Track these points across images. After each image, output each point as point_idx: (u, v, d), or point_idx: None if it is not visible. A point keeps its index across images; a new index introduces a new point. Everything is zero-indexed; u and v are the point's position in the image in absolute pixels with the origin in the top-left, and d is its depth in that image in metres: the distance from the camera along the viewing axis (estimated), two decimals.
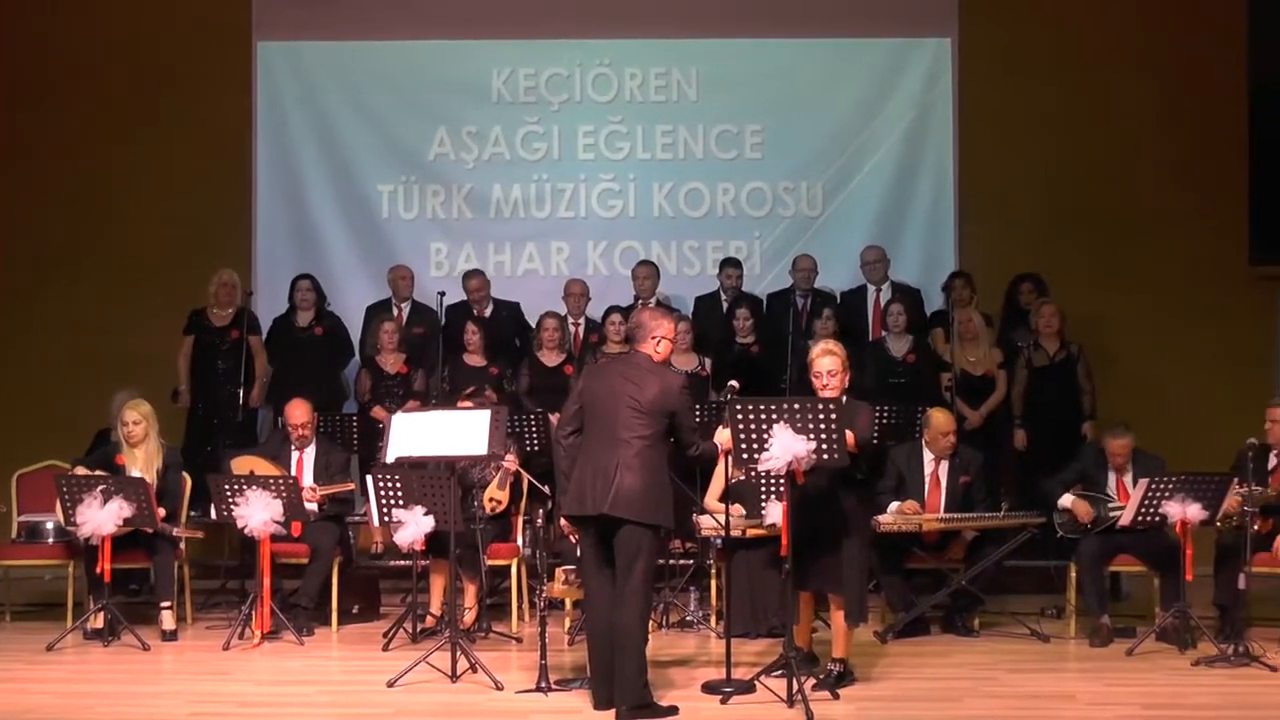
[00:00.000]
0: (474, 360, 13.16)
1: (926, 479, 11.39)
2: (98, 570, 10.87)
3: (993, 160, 14.62)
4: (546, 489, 11.24)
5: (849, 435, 8.98)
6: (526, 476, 11.61)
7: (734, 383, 9.46)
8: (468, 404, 11.45)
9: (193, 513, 11.92)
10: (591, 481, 8.81)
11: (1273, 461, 11.02)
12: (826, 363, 9.36)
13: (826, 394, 9.24)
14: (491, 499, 11.41)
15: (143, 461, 11.39)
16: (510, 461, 11.33)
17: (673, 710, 8.89)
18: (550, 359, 13.24)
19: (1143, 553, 11.11)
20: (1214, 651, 10.24)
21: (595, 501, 8.78)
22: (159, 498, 11.18)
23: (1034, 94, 14.57)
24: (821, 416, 8.89)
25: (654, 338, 9.04)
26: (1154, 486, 10.62)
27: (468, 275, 14.14)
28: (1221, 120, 14.42)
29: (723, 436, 9.26)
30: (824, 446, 8.88)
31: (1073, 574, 11.23)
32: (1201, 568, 10.80)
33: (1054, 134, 14.55)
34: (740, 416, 8.98)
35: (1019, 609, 11.57)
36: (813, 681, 9.31)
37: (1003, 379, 13.29)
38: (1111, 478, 11.32)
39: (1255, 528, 10.51)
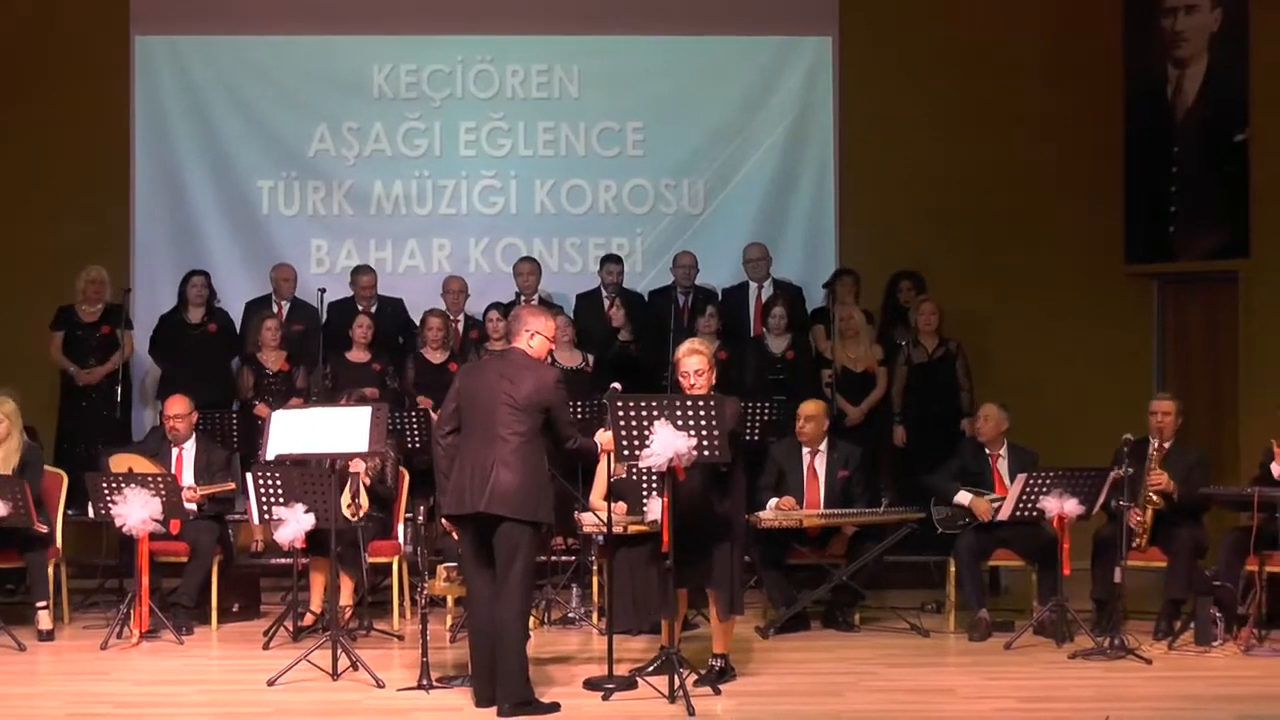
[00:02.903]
0: (358, 356, 13.09)
1: (805, 473, 11.45)
2: None
3: (873, 159, 14.67)
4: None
5: None
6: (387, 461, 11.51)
7: (616, 385, 9.49)
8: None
9: (70, 511, 11.78)
10: (470, 480, 8.80)
11: (1153, 455, 11.13)
12: (693, 362, 9.37)
13: (694, 393, 9.26)
14: (349, 504, 11.20)
15: (1, 459, 11.23)
16: (354, 464, 11.13)
17: (554, 707, 8.90)
18: (435, 357, 13.19)
19: (1021, 547, 11.23)
20: (1090, 644, 10.36)
21: (473, 499, 8.78)
22: None
23: (914, 94, 14.64)
24: (702, 414, 8.92)
25: (528, 332, 9.04)
26: (1032, 481, 10.75)
27: (359, 270, 14.03)
28: (1099, 123, 14.53)
29: (604, 437, 9.28)
30: (704, 443, 8.92)
31: (952, 569, 11.33)
32: (1079, 562, 10.93)
33: (934, 134, 14.62)
34: (621, 413, 9.00)
35: (899, 604, 11.66)
36: (694, 677, 9.34)
37: (883, 375, 13.39)
38: (989, 468, 11.44)
39: (1139, 518, 10.75)
